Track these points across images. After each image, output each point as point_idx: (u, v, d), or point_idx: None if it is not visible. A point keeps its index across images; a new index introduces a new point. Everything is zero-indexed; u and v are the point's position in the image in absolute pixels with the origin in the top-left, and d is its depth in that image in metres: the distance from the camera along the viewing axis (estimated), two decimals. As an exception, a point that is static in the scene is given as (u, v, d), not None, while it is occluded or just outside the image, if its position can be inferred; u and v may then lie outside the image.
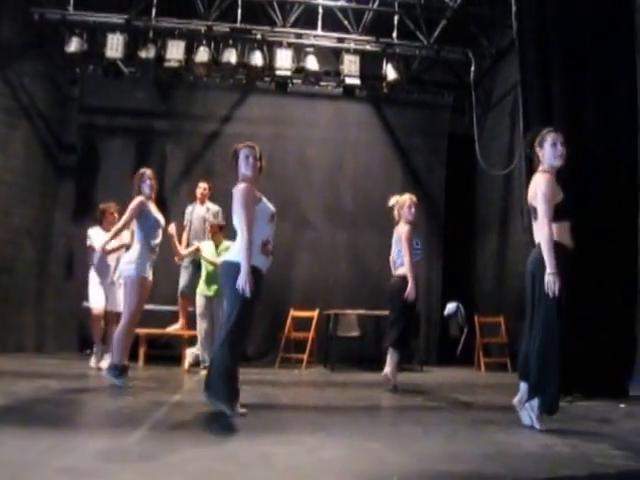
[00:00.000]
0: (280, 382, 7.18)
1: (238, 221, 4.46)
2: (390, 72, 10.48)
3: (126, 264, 6.09)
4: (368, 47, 10.56)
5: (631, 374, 6.16)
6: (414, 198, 6.81)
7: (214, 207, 9.05)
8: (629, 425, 4.16)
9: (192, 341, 8.39)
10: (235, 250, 4.53)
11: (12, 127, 9.93)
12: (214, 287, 7.87)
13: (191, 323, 8.42)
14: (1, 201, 9.39)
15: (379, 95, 11.18)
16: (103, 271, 8.01)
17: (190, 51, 10.05)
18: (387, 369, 6.27)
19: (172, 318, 8.75)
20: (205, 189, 9.08)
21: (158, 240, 6.29)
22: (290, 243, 10.86)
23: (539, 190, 4.22)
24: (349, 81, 10.36)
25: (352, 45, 10.48)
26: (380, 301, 9.82)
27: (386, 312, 9.31)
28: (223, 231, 8.10)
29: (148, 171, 6.54)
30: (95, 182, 10.91)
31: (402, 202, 6.74)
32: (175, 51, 9.93)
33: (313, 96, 11.37)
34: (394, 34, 10.49)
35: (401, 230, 6.61)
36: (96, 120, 11.18)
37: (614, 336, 5.98)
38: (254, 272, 4.38)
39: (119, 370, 5.88)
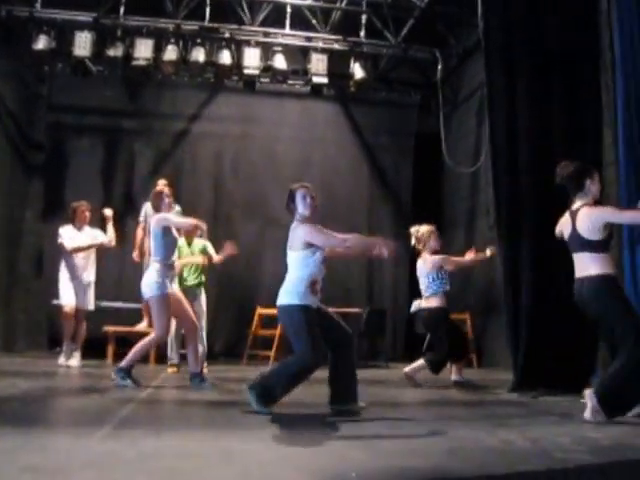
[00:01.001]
0: (246, 379, 7.18)
1: (322, 245, 4.63)
2: (357, 71, 10.57)
3: (147, 286, 5.89)
4: (336, 46, 10.64)
5: (594, 369, 6.30)
6: (435, 229, 7.03)
7: (175, 207, 8.97)
8: (590, 420, 4.24)
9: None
10: (286, 291, 4.70)
11: (-20, 125, 9.88)
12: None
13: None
14: (-33, 200, 9.32)
15: (347, 94, 11.29)
16: (73, 269, 8.00)
17: (158, 49, 10.03)
18: (410, 368, 6.66)
19: (140, 316, 8.80)
20: (164, 185, 8.93)
21: (175, 257, 6.25)
22: (257, 241, 10.93)
23: (606, 213, 4.49)
24: (317, 80, 10.43)
25: (320, 44, 10.56)
26: (347, 299, 9.98)
27: (354, 309, 9.52)
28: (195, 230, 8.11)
29: (166, 189, 6.41)
30: (64, 181, 10.88)
31: (426, 233, 6.91)
32: (143, 49, 9.92)
33: (281, 95, 11.45)
34: (362, 33, 10.59)
35: (430, 259, 6.78)
36: (64, 118, 11.16)
37: (577, 332, 6.09)
38: (306, 310, 4.52)
39: (127, 372, 5.86)
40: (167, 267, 5.94)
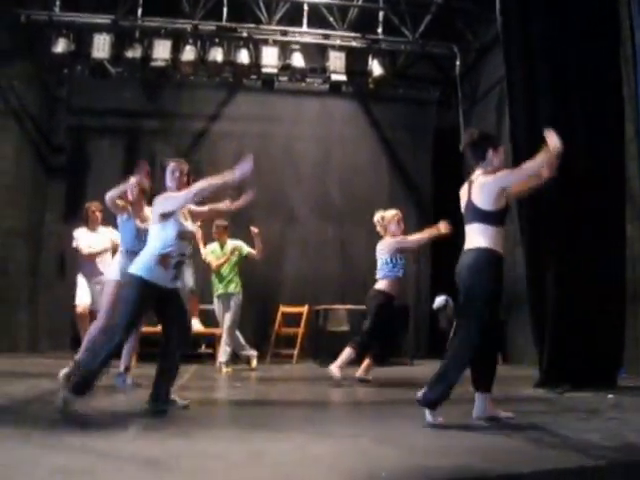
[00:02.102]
0: (270, 378, 7.24)
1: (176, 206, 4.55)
2: (376, 68, 10.54)
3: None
4: (354, 43, 10.62)
5: (620, 365, 6.25)
6: (400, 214, 6.78)
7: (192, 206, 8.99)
8: (617, 416, 4.18)
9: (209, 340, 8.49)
10: (135, 261, 4.56)
11: (2, 129, 9.97)
12: (221, 286, 7.96)
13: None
14: (-9, 202, 9.42)
15: (365, 91, 11.25)
16: (88, 271, 7.97)
17: (176, 50, 10.09)
18: (336, 364, 6.32)
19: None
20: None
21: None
22: (279, 239, 10.94)
23: (501, 176, 4.10)
24: (335, 77, 10.43)
25: (338, 42, 10.54)
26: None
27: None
28: (227, 231, 8.18)
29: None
30: (85, 182, 10.96)
31: (388, 217, 6.68)
32: (161, 50, 9.98)
33: (299, 93, 11.44)
34: (379, 30, 10.57)
35: (387, 242, 6.58)
36: (84, 121, 11.24)
37: (603, 328, 6.04)
38: (145, 285, 4.40)
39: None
40: (129, 255, 5.85)
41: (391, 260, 6.48)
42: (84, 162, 11.12)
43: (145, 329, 8.54)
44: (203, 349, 8.77)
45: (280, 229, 10.97)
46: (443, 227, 6.46)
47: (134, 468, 2.72)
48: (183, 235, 4.54)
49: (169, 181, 4.70)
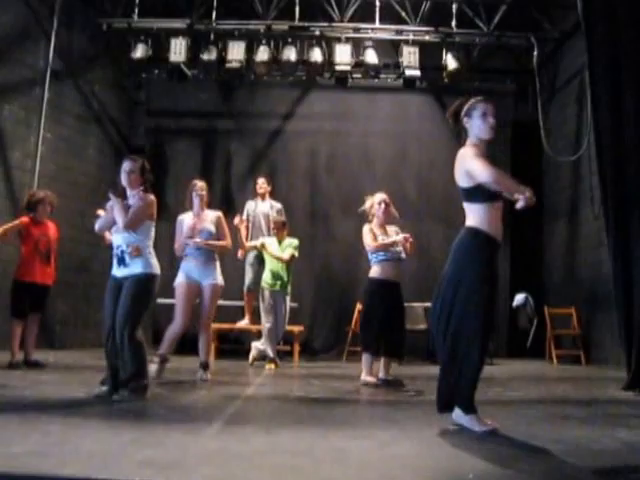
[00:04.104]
0: (348, 375, 7.23)
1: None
2: (450, 61, 10.37)
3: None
4: (427, 37, 10.48)
5: None
6: (385, 197, 6.67)
7: (277, 204, 9.11)
8: None
9: (259, 336, 8.54)
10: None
11: (85, 132, 10.36)
12: (279, 282, 7.97)
13: (256, 318, 8.55)
14: (77, 203, 9.74)
15: (440, 85, 11.09)
16: None
17: (250, 51, 10.21)
18: (362, 375, 6.09)
19: (240, 313, 8.96)
20: (264, 184, 9.12)
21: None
22: (354, 237, 10.88)
23: (470, 162, 3.67)
24: (409, 73, 10.31)
25: (411, 36, 10.43)
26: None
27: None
28: (286, 228, 8.21)
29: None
30: (164, 182, 11.22)
31: (376, 201, 6.66)
32: (236, 52, 10.11)
33: (373, 89, 11.38)
34: (453, 23, 10.38)
35: (364, 231, 6.52)
36: (162, 122, 11.55)
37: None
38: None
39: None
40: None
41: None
42: (163, 162, 11.41)
43: (220, 326, 8.74)
44: (281, 345, 8.80)
45: (355, 226, 10.90)
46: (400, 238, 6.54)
47: (222, 463, 2.75)
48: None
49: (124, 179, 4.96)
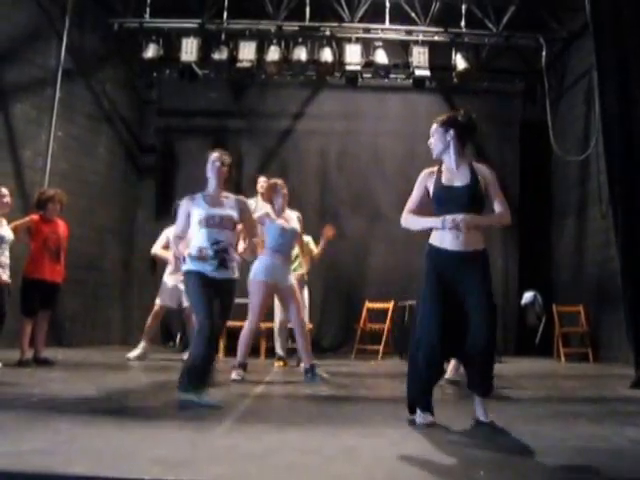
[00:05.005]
0: (357, 373, 7.26)
1: None
2: (459, 62, 10.41)
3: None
4: (436, 38, 10.54)
5: None
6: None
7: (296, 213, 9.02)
8: None
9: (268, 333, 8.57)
10: None
11: (96, 132, 10.42)
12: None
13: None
14: (87, 201, 9.83)
15: (449, 85, 11.13)
16: (173, 270, 8.12)
17: (261, 51, 10.28)
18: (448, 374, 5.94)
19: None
20: (265, 182, 9.02)
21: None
22: (364, 236, 10.99)
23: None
24: (419, 73, 10.36)
25: (420, 37, 10.49)
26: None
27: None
28: (301, 223, 8.19)
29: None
30: (174, 181, 11.33)
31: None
32: (247, 51, 10.18)
33: (383, 89, 11.45)
34: (462, 23, 10.42)
35: None
36: (173, 122, 11.62)
37: None
38: (190, 274, 4.57)
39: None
40: (273, 253, 6.32)
41: None
42: (173, 162, 11.49)
43: (230, 323, 8.78)
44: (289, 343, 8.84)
45: (365, 225, 11.02)
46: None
47: (232, 461, 2.76)
48: (208, 222, 4.60)
49: (209, 170, 4.88)
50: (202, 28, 10.27)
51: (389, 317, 9.40)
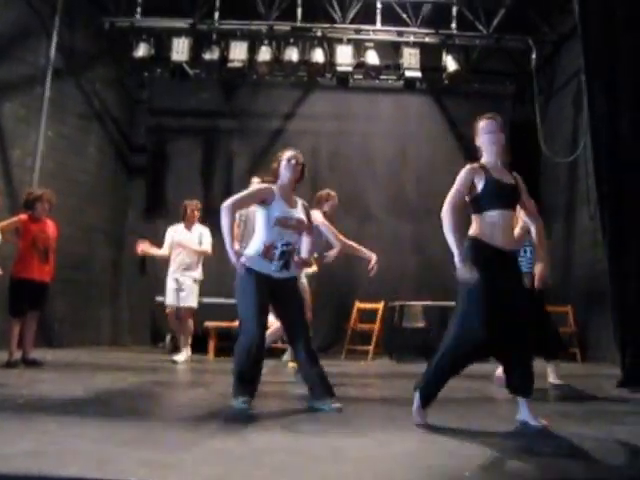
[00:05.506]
0: (347, 374, 7.26)
1: None
2: (450, 63, 10.45)
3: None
4: (427, 39, 10.56)
5: None
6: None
7: None
8: None
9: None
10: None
11: (86, 131, 10.38)
12: None
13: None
14: (76, 201, 9.78)
15: (440, 87, 11.18)
16: (178, 268, 8.13)
17: (252, 51, 10.27)
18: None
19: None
20: (258, 183, 8.93)
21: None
22: (355, 236, 10.86)
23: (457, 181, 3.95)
24: (409, 74, 10.38)
25: (411, 38, 10.50)
26: (445, 292, 9.85)
27: (452, 302, 9.37)
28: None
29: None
30: (165, 181, 11.32)
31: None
32: (238, 52, 10.18)
33: (374, 90, 11.48)
34: (453, 25, 10.47)
35: None
36: (164, 121, 11.61)
37: None
38: (250, 273, 4.37)
39: None
40: None
41: None
42: (164, 162, 11.48)
43: (219, 324, 8.81)
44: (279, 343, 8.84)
45: (356, 226, 10.99)
46: None
47: (219, 462, 2.76)
48: (284, 222, 4.45)
49: (284, 168, 4.65)
50: (193, 28, 10.25)
51: (379, 317, 9.41)
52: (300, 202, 4.74)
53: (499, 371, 5.48)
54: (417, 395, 3.85)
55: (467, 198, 3.92)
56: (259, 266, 4.38)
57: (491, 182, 3.84)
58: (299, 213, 4.60)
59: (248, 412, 4.14)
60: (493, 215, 3.83)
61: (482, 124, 4.01)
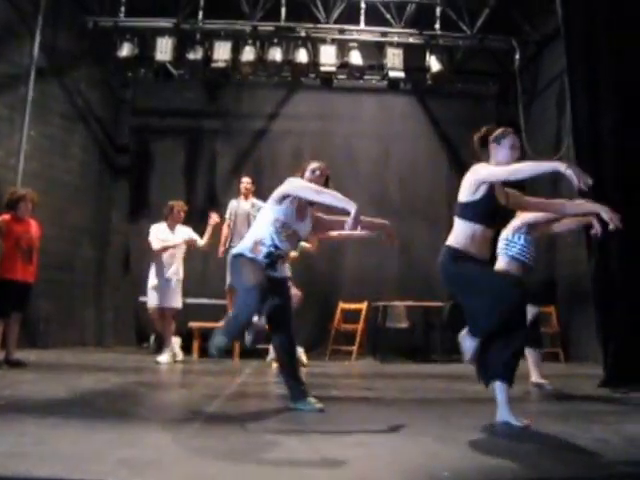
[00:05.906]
0: (330, 374, 7.28)
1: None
2: (434, 64, 10.49)
3: None
4: (411, 40, 10.60)
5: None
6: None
7: (259, 203, 9.00)
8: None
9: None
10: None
11: (69, 131, 10.31)
12: None
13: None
14: (60, 201, 9.73)
15: (423, 87, 11.22)
16: (161, 268, 8.11)
17: (236, 51, 10.26)
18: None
19: (223, 311, 8.98)
20: (248, 183, 8.82)
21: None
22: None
23: (487, 168, 3.86)
24: (393, 74, 10.41)
25: (395, 38, 10.54)
26: (429, 292, 9.91)
27: (435, 303, 9.42)
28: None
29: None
30: (149, 181, 11.30)
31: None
32: (222, 52, 10.16)
33: (358, 91, 11.50)
34: (437, 26, 10.52)
35: None
36: (148, 121, 11.58)
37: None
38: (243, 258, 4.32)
39: None
40: None
41: None
42: (148, 162, 11.45)
43: (202, 324, 8.80)
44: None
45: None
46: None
47: (199, 462, 2.76)
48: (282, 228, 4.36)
49: (307, 179, 4.54)
50: (177, 28, 10.23)
51: (363, 318, 9.43)
52: (310, 215, 4.58)
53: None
54: (500, 385, 3.84)
55: (467, 198, 3.88)
56: (250, 255, 4.32)
57: (491, 199, 3.84)
58: (306, 226, 4.55)
59: (226, 348, 4.21)
60: (476, 229, 3.85)
61: (507, 138, 3.97)
